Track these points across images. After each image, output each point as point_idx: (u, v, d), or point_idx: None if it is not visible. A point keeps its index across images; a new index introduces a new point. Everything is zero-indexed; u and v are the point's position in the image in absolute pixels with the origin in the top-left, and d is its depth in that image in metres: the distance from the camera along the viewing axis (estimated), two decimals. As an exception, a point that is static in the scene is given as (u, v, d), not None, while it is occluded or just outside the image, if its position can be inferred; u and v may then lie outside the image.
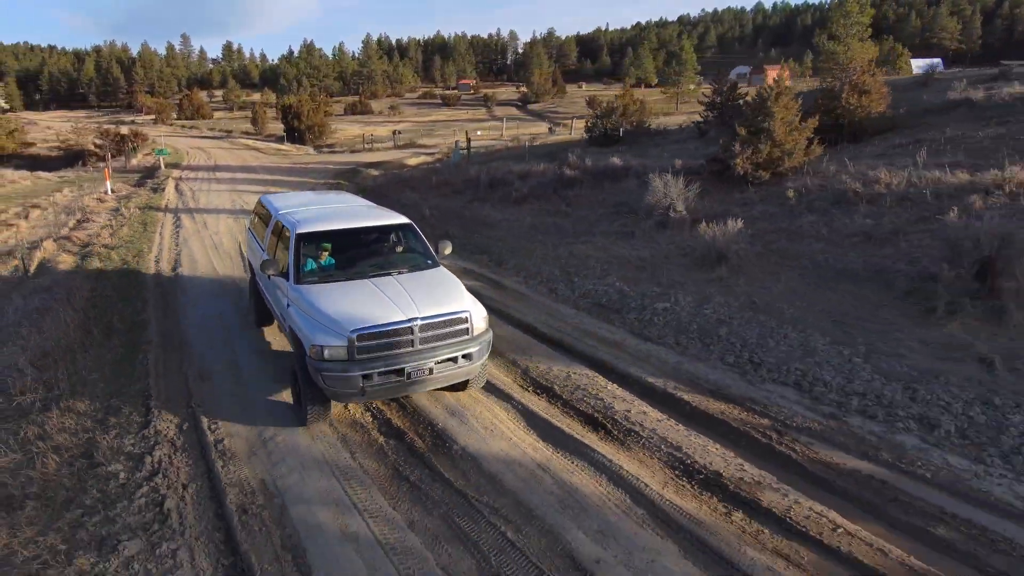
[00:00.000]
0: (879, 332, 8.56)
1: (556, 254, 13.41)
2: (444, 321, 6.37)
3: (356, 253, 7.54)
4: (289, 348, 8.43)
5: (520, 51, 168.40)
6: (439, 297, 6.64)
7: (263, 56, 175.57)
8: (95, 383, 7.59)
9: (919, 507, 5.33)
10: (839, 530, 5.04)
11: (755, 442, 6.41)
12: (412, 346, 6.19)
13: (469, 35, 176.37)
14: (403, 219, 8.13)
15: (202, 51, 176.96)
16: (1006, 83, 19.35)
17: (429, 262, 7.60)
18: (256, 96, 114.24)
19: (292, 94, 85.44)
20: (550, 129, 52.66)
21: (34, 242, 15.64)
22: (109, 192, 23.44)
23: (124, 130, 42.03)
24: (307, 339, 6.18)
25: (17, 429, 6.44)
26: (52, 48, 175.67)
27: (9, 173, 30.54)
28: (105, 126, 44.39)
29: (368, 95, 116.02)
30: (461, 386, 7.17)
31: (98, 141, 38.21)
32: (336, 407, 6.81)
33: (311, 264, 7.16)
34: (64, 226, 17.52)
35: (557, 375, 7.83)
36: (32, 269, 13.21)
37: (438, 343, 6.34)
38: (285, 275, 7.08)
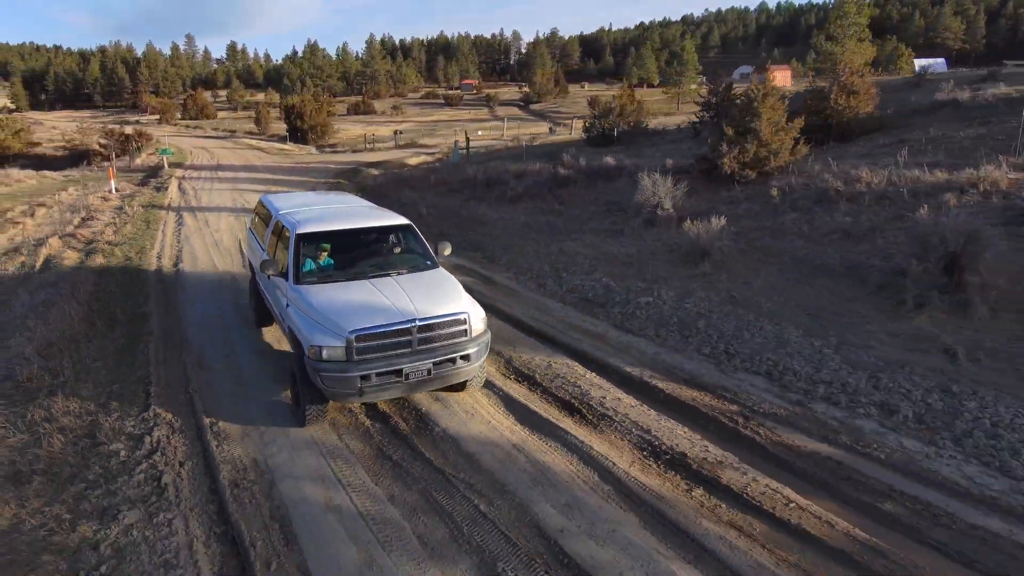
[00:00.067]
0: (851, 325, 8.90)
1: (547, 251, 13.76)
2: (443, 322, 6.42)
3: (356, 254, 7.57)
4: (278, 336, 8.86)
5: (523, 51, 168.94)
6: (438, 298, 6.68)
7: (267, 56, 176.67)
8: (98, 371, 7.98)
9: (870, 485, 5.67)
10: (791, 505, 5.38)
11: (722, 426, 6.75)
12: (411, 347, 6.24)
13: (472, 35, 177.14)
14: (403, 220, 8.15)
15: (206, 51, 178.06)
16: (994, 84, 19.62)
17: (428, 263, 7.63)
18: (260, 96, 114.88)
19: (296, 94, 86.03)
20: (550, 129, 53.01)
21: (40, 239, 16.03)
22: (113, 191, 23.87)
23: (128, 130, 42.58)
24: (306, 339, 6.22)
25: (24, 412, 6.82)
26: (58, 48, 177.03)
27: (15, 172, 30.99)
28: (110, 126, 44.94)
29: (371, 95, 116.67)
30: (459, 387, 7.20)
31: (103, 141, 38.73)
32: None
33: (311, 264, 7.21)
34: (69, 224, 17.91)
35: (539, 364, 8.18)
36: (38, 265, 13.61)
37: (436, 344, 6.38)
38: (285, 275, 7.12)
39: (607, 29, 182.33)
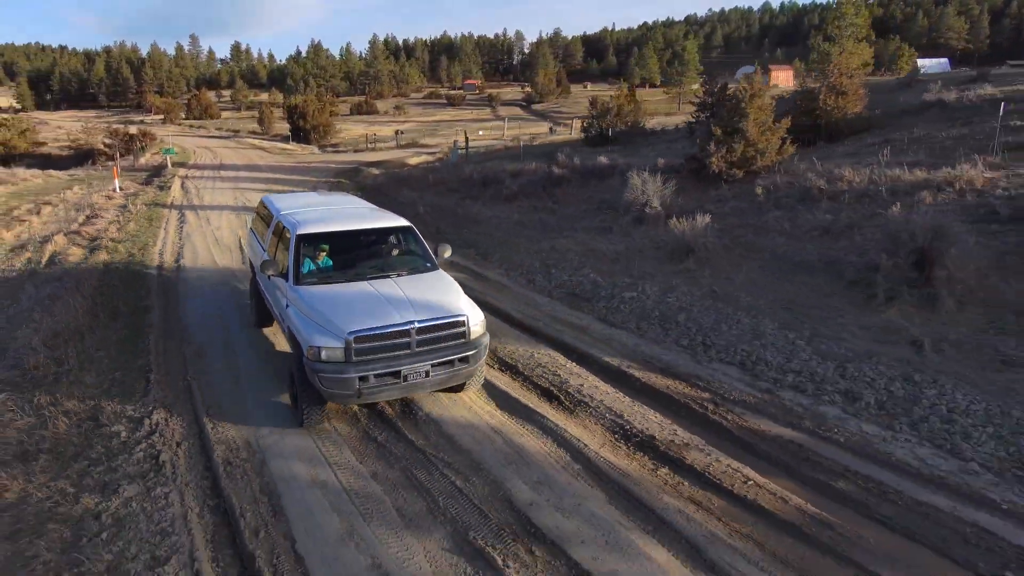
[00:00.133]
0: (824, 318, 9.23)
1: (538, 248, 14.11)
2: (441, 324, 6.46)
3: (356, 255, 7.60)
4: (273, 330, 9.18)
5: (526, 51, 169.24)
6: (437, 301, 6.71)
7: (271, 56, 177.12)
8: (101, 359, 8.37)
9: (827, 466, 6.00)
10: (749, 483, 5.72)
11: (692, 412, 7.10)
12: (409, 349, 6.28)
13: (476, 35, 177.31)
14: (403, 222, 8.15)
15: (211, 51, 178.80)
16: (982, 85, 19.90)
17: (428, 265, 7.66)
18: (264, 96, 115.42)
19: (299, 94, 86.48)
20: (551, 129, 53.33)
21: (46, 236, 16.46)
22: (117, 190, 24.30)
23: (133, 130, 43.04)
24: (305, 340, 6.25)
25: (31, 397, 7.21)
26: (63, 48, 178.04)
27: (21, 171, 31.43)
28: (114, 126, 45.41)
29: (374, 95, 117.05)
30: (458, 388, 7.21)
31: (107, 140, 39.15)
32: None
33: (311, 265, 7.24)
34: (74, 222, 18.34)
35: (522, 355, 8.54)
36: (44, 261, 14.02)
37: (435, 346, 6.41)
38: (285, 276, 7.14)
39: (610, 29, 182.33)
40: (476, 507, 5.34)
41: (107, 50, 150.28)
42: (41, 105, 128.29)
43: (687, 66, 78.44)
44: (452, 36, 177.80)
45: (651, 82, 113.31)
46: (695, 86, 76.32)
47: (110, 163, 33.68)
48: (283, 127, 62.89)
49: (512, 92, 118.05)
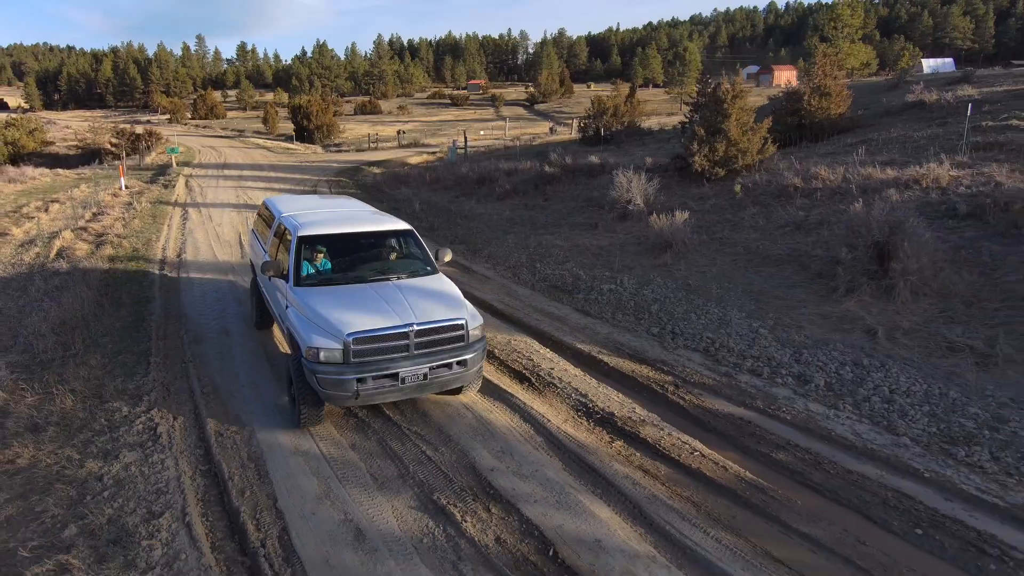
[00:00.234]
0: (788, 308, 9.74)
1: (526, 243, 14.64)
2: (440, 328, 6.49)
3: (356, 257, 7.66)
4: (266, 325, 9.60)
5: (530, 51, 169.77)
6: (436, 304, 6.74)
7: (277, 56, 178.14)
8: (105, 344, 8.95)
9: (770, 439, 6.51)
10: (696, 453, 6.24)
11: (653, 393, 7.62)
12: (407, 351, 6.32)
13: (480, 35, 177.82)
14: (404, 225, 8.18)
15: (217, 52, 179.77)
16: (963, 86, 20.31)
17: (428, 269, 7.70)
18: (269, 96, 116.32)
19: (304, 94, 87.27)
20: (551, 129, 53.83)
21: (54, 232, 17.06)
22: (123, 188, 24.94)
23: (139, 129, 43.75)
24: (303, 341, 6.28)
25: (41, 377, 7.78)
26: (71, 49, 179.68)
27: (30, 170, 32.12)
28: (121, 125, 46.07)
29: (378, 95, 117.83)
30: (456, 391, 7.22)
31: (114, 140, 39.89)
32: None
33: (311, 267, 7.29)
34: (81, 218, 18.95)
35: (500, 341, 9.07)
36: (52, 255, 14.62)
37: (433, 349, 6.45)
38: (285, 277, 7.18)
39: (615, 29, 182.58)
40: (442, 472, 5.88)
41: (114, 50, 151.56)
42: (49, 105, 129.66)
43: (688, 66, 78.63)
44: (457, 36, 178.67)
45: (654, 82, 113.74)
46: (698, 86, 77.20)
47: (116, 162, 34.38)
48: (287, 127, 63.64)
49: (516, 92, 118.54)
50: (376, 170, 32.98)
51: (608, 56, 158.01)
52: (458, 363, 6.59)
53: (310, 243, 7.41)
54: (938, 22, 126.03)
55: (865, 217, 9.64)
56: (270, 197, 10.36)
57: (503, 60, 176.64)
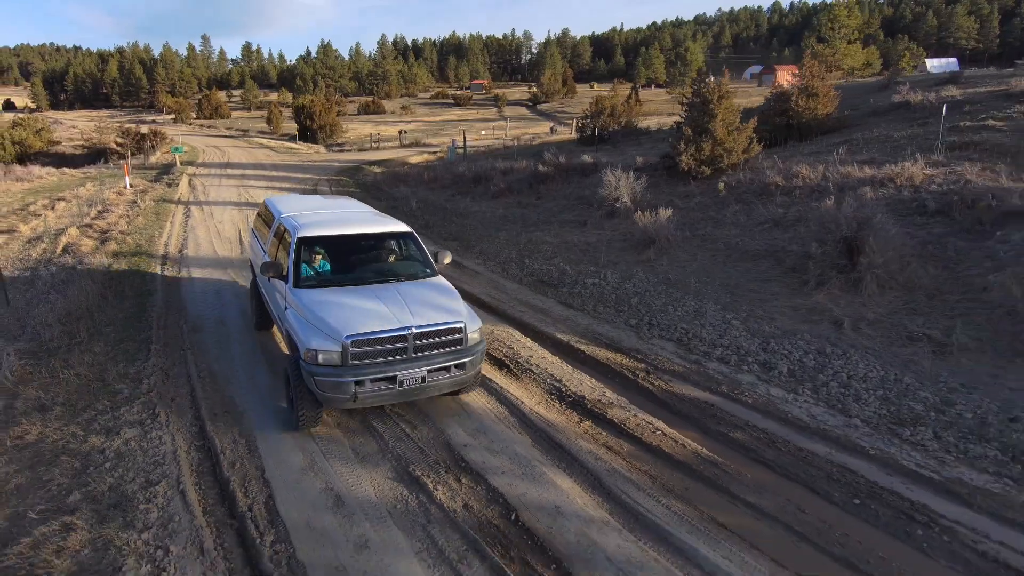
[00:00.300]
0: (761, 300, 10.15)
1: (517, 240, 15.09)
2: (439, 331, 6.47)
3: (356, 259, 7.66)
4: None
5: (534, 51, 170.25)
6: (435, 307, 6.74)
7: (281, 56, 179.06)
8: (108, 333, 9.43)
9: (730, 420, 6.93)
10: (658, 432, 6.67)
11: (625, 379, 8.03)
12: (406, 354, 6.31)
13: (484, 35, 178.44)
14: (404, 227, 8.17)
15: (222, 52, 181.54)
16: (948, 87, 20.66)
17: (428, 271, 7.70)
18: (273, 96, 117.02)
19: (307, 94, 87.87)
20: (552, 129, 54.24)
21: (60, 229, 17.57)
22: (128, 187, 25.47)
23: (144, 129, 44.33)
24: (302, 343, 6.28)
25: (47, 363, 8.27)
26: (77, 49, 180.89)
27: (37, 169, 32.72)
28: (126, 125, 46.75)
29: (382, 95, 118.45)
30: (453, 393, 7.21)
31: (119, 140, 40.48)
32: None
33: (310, 269, 7.30)
34: (86, 216, 19.47)
35: (483, 331, 9.48)
36: (58, 251, 15.13)
37: (432, 352, 6.44)
38: (285, 278, 7.17)
39: (619, 29, 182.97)
40: (419, 448, 6.33)
41: (120, 51, 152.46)
42: (55, 105, 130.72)
43: (689, 67, 78.93)
44: (461, 36, 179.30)
45: (657, 82, 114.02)
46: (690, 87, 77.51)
47: (121, 161, 34.91)
48: (291, 127, 64.21)
49: (519, 92, 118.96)
50: (377, 169, 33.45)
51: (612, 56, 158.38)
52: (456, 366, 6.57)
53: (310, 244, 7.41)
54: (942, 22, 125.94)
55: (835, 214, 10.04)
56: (270, 197, 10.42)
57: (507, 60, 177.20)
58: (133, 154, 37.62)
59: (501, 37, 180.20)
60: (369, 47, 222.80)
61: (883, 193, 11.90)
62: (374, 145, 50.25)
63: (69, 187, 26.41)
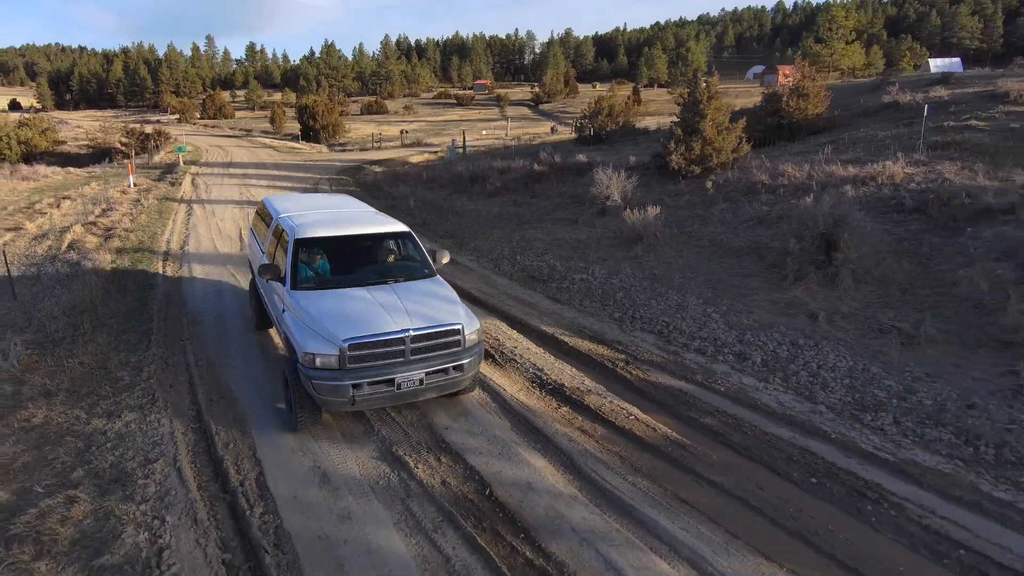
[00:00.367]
0: (741, 295, 10.48)
1: (510, 237, 15.43)
2: (436, 333, 6.45)
3: (354, 260, 7.63)
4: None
5: (537, 51, 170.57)
6: (433, 309, 6.71)
7: (285, 57, 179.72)
8: (111, 324, 9.81)
9: (701, 407, 7.26)
10: (631, 417, 7.01)
11: (605, 368, 8.37)
12: (403, 357, 6.28)
13: (487, 35, 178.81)
14: (402, 227, 8.14)
15: (226, 52, 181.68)
16: (937, 88, 20.94)
17: (426, 271, 7.69)
18: (277, 96, 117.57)
19: (311, 94, 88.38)
20: (552, 129, 54.57)
21: (65, 227, 17.99)
22: (132, 186, 25.90)
23: (148, 129, 44.78)
24: (299, 346, 6.28)
25: (53, 352, 8.65)
26: (82, 49, 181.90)
27: (42, 169, 33.18)
28: (131, 125, 47.16)
29: (385, 95, 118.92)
30: (452, 395, 7.21)
31: (124, 139, 40.90)
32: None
33: (308, 270, 7.27)
34: (91, 214, 19.90)
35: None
36: (63, 248, 15.54)
37: (430, 354, 6.43)
38: (282, 280, 7.15)
39: (622, 29, 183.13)
40: (403, 430, 6.68)
41: (125, 51, 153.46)
42: (61, 105, 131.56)
43: (690, 67, 79.12)
44: (464, 36, 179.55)
45: (659, 82, 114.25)
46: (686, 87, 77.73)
47: (126, 161, 35.33)
48: (294, 126, 64.64)
49: (522, 92, 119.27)
50: (377, 169, 33.82)
51: (615, 56, 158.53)
52: (455, 368, 6.57)
53: (307, 246, 7.39)
54: (946, 22, 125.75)
55: (813, 211, 10.36)
56: (268, 196, 10.41)
57: (510, 60, 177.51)
58: (137, 154, 38.07)
59: (504, 37, 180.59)
60: (373, 47, 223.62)
61: (864, 191, 12.22)
62: (376, 145, 50.65)
63: (74, 186, 26.84)
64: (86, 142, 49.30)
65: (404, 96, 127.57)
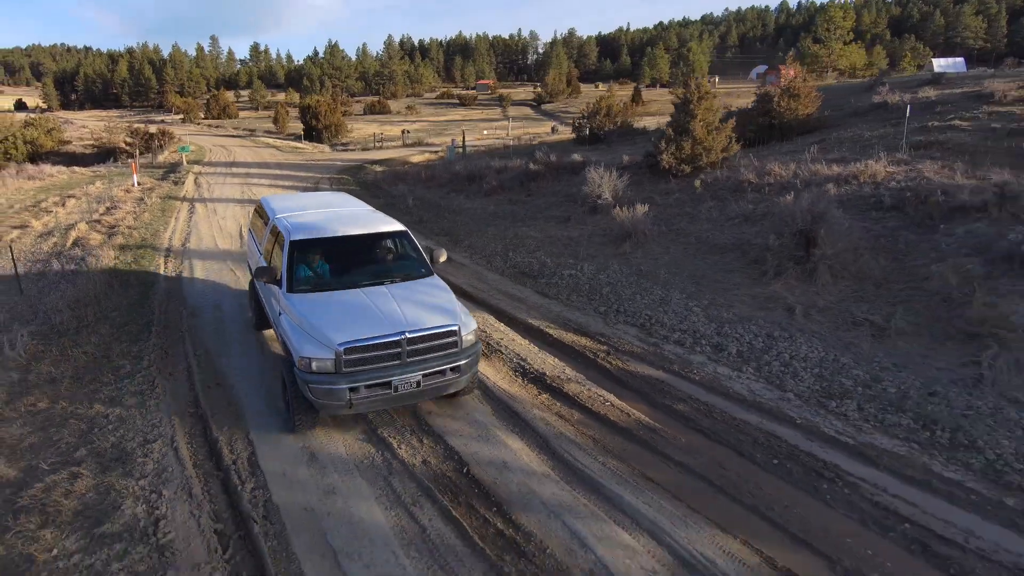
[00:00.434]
0: (724, 290, 10.80)
1: (504, 235, 15.78)
2: (433, 335, 6.41)
3: (350, 261, 7.60)
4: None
5: (540, 51, 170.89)
6: (429, 310, 6.70)
7: (289, 57, 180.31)
8: (114, 317, 10.20)
9: (675, 394, 7.60)
10: (607, 404, 7.35)
11: (586, 359, 8.71)
12: (400, 359, 6.26)
13: (491, 35, 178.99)
14: (399, 226, 8.14)
15: (230, 52, 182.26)
16: (926, 88, 21.22)
17: (423, 271, 7.68)
18: (280, 96, 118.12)
19: (315, 94, 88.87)
20: (552, 129, 54.90)
21: (70, 225, 18.41)
22: (136, 184, 26.35)
23: (152, 129, 45.32)
24: (295, 351, 6.26)
25: (58, 342, 9.05)
26: (88, 49, 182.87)
27: (48, 168, 33.68)
28: (135, 125, 47.70)
29: (388, 95, 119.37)
30: (451, 396, 7.19)
31: (128, 139, 41.43)
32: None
33: (304, 272, 7.24)
34: (95, 212, 20.33)
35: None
36: (68, 244, 15.95)
37: (426, 356, 6.40)
38: (279, 283, 7.13)
39: (625, 29, 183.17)
40: (389, 414, 7.04)
41: (130, 51, 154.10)
42: (66, 105, 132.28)
43: (692, 67, 79.40)
44: (467, 36, 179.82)
45: (662, 82, 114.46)
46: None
47: (130, 160, 35.81)
48: (297, 126, 65.10)
49: (524, 92, 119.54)
50: (378, 168, 34.18)
51: (618, 56, 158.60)
52: (452, 369, 6.54)
53: (303, 248, 7.38)
54: (950, 21, 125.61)
55: (792, 208, 10.68)
56: (266, 196, 10.39)
57: (513, 60, 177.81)
58: (141, 153, 38.57)
59: (507, 37, 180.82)
60: (376, 47, 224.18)
61: (846, 189, 12.53)
62: (377, 144, 51.04)
63: (79, 185, 27.29)
64: (91, 142, 49.85)
65: (407, 96, 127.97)
